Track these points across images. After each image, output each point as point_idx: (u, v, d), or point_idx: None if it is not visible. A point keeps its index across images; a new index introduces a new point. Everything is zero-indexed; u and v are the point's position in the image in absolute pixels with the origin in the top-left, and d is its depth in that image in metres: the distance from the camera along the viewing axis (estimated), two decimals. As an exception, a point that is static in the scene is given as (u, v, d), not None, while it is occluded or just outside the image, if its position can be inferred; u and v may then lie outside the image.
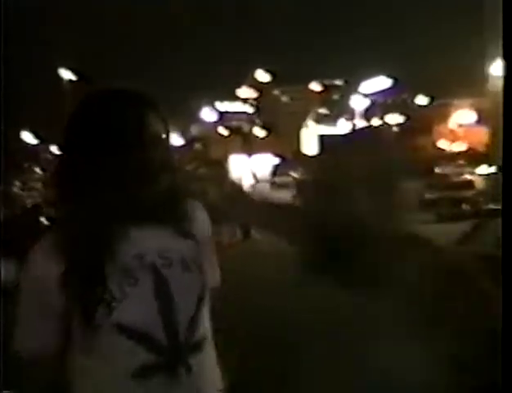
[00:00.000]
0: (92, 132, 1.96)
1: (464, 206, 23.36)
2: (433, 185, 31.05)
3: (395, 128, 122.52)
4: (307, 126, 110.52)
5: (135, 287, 1.97)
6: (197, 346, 2.05)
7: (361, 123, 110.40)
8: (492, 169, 28.94)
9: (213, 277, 2.18)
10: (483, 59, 34.80)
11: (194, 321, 2.04)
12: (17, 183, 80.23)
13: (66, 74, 43.81)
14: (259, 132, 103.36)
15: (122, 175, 1.93)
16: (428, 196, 26.37)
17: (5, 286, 14.42)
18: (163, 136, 2.03)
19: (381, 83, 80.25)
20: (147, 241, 2.02)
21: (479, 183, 26.36)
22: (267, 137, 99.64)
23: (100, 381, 1.98)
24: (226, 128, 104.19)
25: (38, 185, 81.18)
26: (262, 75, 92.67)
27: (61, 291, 1.95)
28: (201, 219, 2.16)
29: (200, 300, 2.07)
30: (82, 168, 1.96)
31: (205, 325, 2.09)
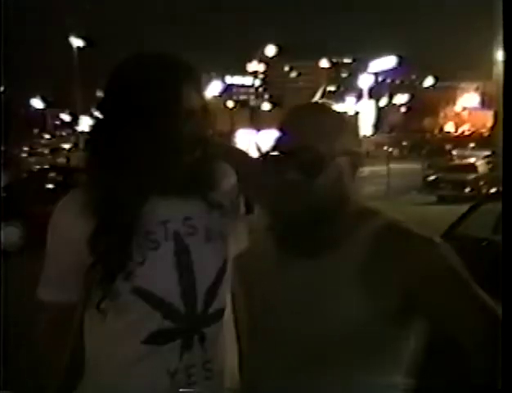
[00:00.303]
0: (129, 97, 1.93)
1: (467, 189, 23.29)
2: (435, 166, 30.95)
3: (402, 109, 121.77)
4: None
5: (156, 251, 1.93)
6: (213, 317, 2.00)
7: (368, 101, 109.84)
8: (493, 153, 28.69)
9: (241, 242, 2.12)
10: (491, 44, 34.27)
11: (212, 292, 1.98)
12: (25, 148, 79.89)
13: (76, 41, 43.43)
14: (266, 106, 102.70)
15: (154, 143, 1.92)
16: (429, 178, 26.34)
17: (7, 248, 14.57)
18: (198, 106, 1.95)
19: (390, 62, 79.53)
20: (173, 209, 1.98)
21: (482, 167, 26.21)
22: (273, 109, 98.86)
23: (112, 344, 1.97)
24: (234, 101, 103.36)
25: (46, 150, 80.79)
26: (271, 50, 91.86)
27: (86, 249, 1.93)
28: (230, 186, 2.12)
29: (221, 271, 2.01)
30: (115, 133, 1.96)
31: (224, 297, 2.03)
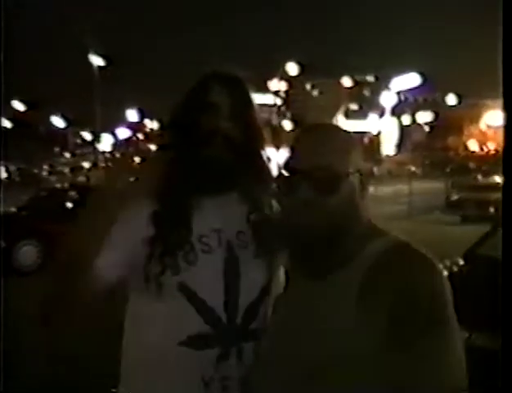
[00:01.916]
0: (186, 116, 2.07)
1: (492, 209, 22.99)
2: (458, 185, 30.72)
3: (425, 127, 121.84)
4: (337, 121, 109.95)
5: (208, 255, 2.01)
6: (253, 334, 2.03)
7: (390, 119, 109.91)
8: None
9: (279, 285, 2.16)
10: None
11: (253, 308, 2.04)
12: (45, 167, 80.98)
13: (96, 60, 43.88)
14: (288, 125, 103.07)
15: (209, 158, 2.02)
16: (453, 197, 26.15)
17: (25, 268, 14.59)
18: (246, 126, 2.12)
19: (413, 80, 79.58)
20: (227, 221, 2.08)
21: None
22: (294, 130, 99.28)
23: (150, 339, 2.01)
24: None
25: (66, 169, 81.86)
26: (293, 68, 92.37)
27: (149, 223, 2.02)
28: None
29: (264, 290, 2.07)
30: (176, 145, 2.08)
31: (265, 318, 2.06)
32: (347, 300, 1.68)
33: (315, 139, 1.80)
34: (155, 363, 1.99)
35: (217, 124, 2.03)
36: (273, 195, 2.07)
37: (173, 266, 1.97)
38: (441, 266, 1.69)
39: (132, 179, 2.16)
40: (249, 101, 2.16)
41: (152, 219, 2.02)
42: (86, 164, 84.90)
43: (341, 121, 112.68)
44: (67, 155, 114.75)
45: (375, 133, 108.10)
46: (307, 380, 1.69)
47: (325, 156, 1.73)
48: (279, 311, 1.93)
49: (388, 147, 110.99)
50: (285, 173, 1.79)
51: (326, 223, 1.71)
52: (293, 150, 1.81)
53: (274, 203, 2.12)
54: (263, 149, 2.18)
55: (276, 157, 2.04)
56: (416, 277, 1.64)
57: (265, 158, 2.17)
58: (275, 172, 2.09)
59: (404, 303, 1.61)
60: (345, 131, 1.88)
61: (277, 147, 2.21)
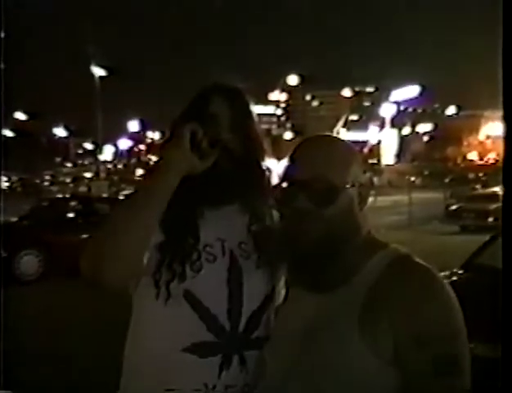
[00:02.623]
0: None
1: (490, 219, 22.97)
2: (457, 195, 30.67)
3: (425, 137, 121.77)
4: (337, 132, 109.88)
5: (212, 264, 2.03)
6: (255, 343, 2.03)
7: (390, 130, 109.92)
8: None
9: (279, 296, 2.17)
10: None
11: (255, 317, 2.04)
12: (47, 177, 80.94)
13: (97, 70, 43.94)
14: (288, 135, 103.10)
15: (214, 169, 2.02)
16: (452, 207, 26.10)
17: (26, 278, 14.56)
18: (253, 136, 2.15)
19: (412, 91, 79.65)
20: (229, 232, 2.10)
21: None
22: (294, 139, 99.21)
23: (153, 345, 2.02)
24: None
25: (68, 179, 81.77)
26: (293, 79, 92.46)
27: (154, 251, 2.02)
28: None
29: (267, 299, 2.08)
30: None
31: (268, 327, 2.06)
32: (348, 317, 1.66)
33: (313, 150, 1.79)
34: (158, 370, 2.00)
35: (218, 136, 2.04)
36: (273, 206, 2.05)
37: (181, 274, 2.00)
38: (441, 275, 1.69)
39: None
40: (249, 112, 2.17)
41: (161, 225, 2.02)
42: (87, 175, 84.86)
43: (341, 131, 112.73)
44: (69, 165, 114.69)
45: (374, 142, 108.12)
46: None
47: (323, 167, 1.73)
48: (279, 324, 1.93)
49: (388, 157, 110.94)
50: (283, 183, 1.79)
51: (324, 234, 1.70)
52: (291, 160, 1.80)
53: (275, 214, 2.12)
54: (263, 160, 2.19)
55: (277, 167, 2.05)
56: (419, 293, 1.62)
57: (265, 169, 2.18)
58: (274, 182, 2.10)
59: (408, 319, 1.60)
60: (345, 142, 1.86)
61: (278, 157, 2.22)
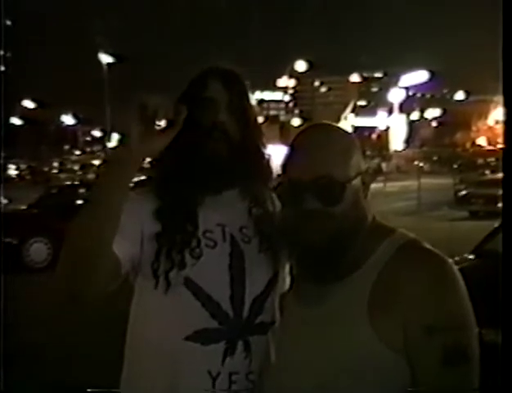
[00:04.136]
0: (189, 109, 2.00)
1: (500, 204, 22.83)
2: (466, 181, 30.51)
3: (433, 123, 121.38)
4: (345, 118, 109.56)
5: (212, 250, 2.01)
6: (259, 328, 2.02)
7: (399, 116, 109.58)
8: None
9: (284, 284, 2.16)
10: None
11: (259, 302, 2.02)
12: (55, 164, 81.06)
13: (105, 58, 43.89)
14: (296, 121, 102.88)
15: (209, 150, 2.02)
16: (461, 192, 25.98)
17: (35, 265, 14.62)
18: (249, 118, 2.12)
19: (421, 76, 79.25)
20: (229, 217, 2.07)
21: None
22: (302, 125, 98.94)
23: (155, 333, 2.00)
24: (264, 116, 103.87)
25: (76, 166, 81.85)
26: (301, 65, 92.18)
27: (154, 219, 2.02)
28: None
29: (270, 283, 2.06)
30: (181, 139, 1.99)
31: (272, 311, 2.05)
32: (359, 305, 1.65)
33: (315, 147, 1.74)
34: (160, 359, 1.98)
35: (215, 119, 2.03)
36: (273, 190, 2.02)
37: (180, 262, 1.98)
38: (450, 261, 1.67)
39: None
40: (246, 95, 2.15)
41: (157, 215, 2.02)
42: (96, 162, 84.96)
43: (349, 117, 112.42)
44: (77, 152, 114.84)
45: (383, 128, 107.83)
46: (318, 390, 1.66)
47: (327, 166, 1.69)
48: (287, 316, 1.90)
49: (397, 143, 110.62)
50: (286, 182, 1.76)
51: (334, 232, 1.68)
52: (291, 155, 1.77)
53: (275, 198, 2.09)
54: (262, 143, 2.17)
55: (281, 153, 2.02)
56: (429, 280, 1.61)
57: (264, 152, 2.16)
58: (275, 174, 2.10)
59: (419, 307, 1.59)
60: (344, 132, 1.83)
61: (286, 144, 2.19)
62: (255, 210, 2.14)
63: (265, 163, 2.16)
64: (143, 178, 2.20)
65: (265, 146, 2.18)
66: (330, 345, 1.67)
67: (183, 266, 1.97)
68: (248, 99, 2.15)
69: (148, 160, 2.08)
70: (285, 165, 1.78)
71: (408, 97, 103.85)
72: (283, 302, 1.98)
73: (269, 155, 2.18)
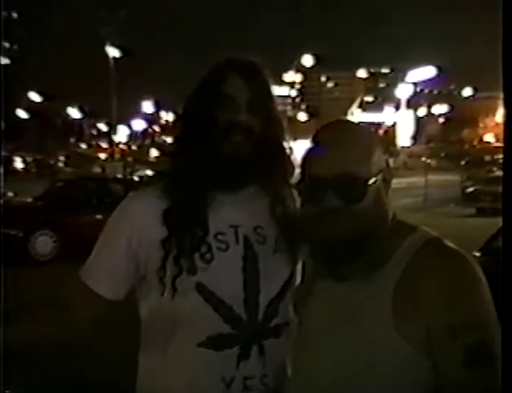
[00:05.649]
0: (200, 106, 1.98)
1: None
2: (474, 178, 30.48)
3: (441, 119, 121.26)
4: (352, 113, 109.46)
5: (224, 253, 1.94)
6: (273, 331, 1.97)
7: (406, 111, 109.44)
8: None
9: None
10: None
11: (274, 304, 1.96)
12: (61, 157, 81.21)
13: (112, 51, 43.87)
14: (303, 116, 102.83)
15: (223, 150, 1.94)
16: (468, 189, 25.93)
17: (40, 258, 14.65)
18: (267, 116, 2.01)
19: (428, 72, 79.02)
20: (243, 216, 2.00)
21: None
22: (309, 121, 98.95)
23: (167, 341, 1.95)
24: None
25: (81, 160, 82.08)
26: (308, 60, 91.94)
27: (161, 223, 1.96)
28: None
29: (286, 284, 2.00)
30: (189, 137, 2.00)
31: (286, 313, 1.99)
32: (382, 303, 1.63)
33: (337, 143, 1.70)
34: (174, 366, 1.94)
35: (236, 118, 1.93)
36: (294, 186, 1.91)
37: (190, 267, 1.91)
38: (473, 259, 1.65)
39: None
40: (269, 91, 2.05)
41: (165, 217, 1.95)
42: (102, 155, 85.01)
43: (356, 113, 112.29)
44: (83, 146, 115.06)
45: (390, 124, 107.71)
46: (340, 388, 1.65)
47: (350, 164, 1.66)
48: (307, 316, 1.84)
49: (404, 139, 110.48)
50: (307, 179, 1.71)
51: (356, 230, 1.65)
52: (312, 151, 1.73)
53: (296, 195, 1.99)
54: (284, 139, 2.08)
55: (296, 148, 1.97)
56: (453, 279, 1.59)
57: (287, 149, 2.08)
58: (296, 172, 2.00)
59: (442, 306, 1.57)
60: (365, 128, 1.81)
61: (294, 139, 2.13)
62: (278, 208, 2.07)
63: (286, 159, 2.08)
64: (150, 172, 2.16)
65: (287, 141, 2.10)
66: (352, 343, 1.65)
67: (194, 271, 1.91)
68: (271, 95, 2.05)
69: (156, 154, 2.04)
70: (305, 162, 1.74)
71: (415, 92, 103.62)
72: (297, 300, 1.94)
73: (291, 151, 2.10)
